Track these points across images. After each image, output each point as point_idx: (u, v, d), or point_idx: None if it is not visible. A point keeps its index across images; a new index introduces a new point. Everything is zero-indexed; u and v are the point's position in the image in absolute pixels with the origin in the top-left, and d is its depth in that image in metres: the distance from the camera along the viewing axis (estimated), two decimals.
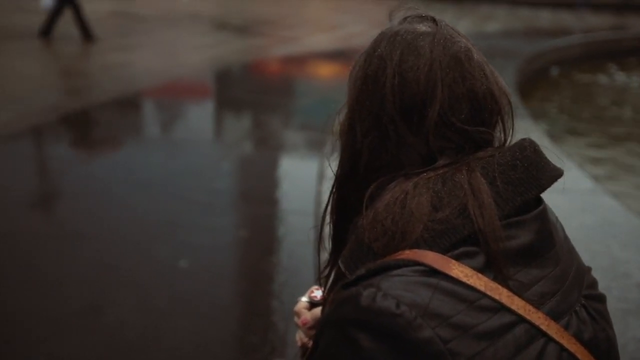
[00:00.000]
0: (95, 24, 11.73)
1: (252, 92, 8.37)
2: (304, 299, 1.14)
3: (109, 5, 17.13)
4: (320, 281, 0.96)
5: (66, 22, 11.33)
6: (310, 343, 1.09)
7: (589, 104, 9.02)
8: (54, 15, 10.75)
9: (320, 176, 4.20)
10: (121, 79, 8.31)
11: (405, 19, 0.86)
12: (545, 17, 18.89)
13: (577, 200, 3.38)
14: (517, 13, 19.63)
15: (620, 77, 10.66)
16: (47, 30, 10.83)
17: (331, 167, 0.91)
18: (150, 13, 13.71)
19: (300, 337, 1.11)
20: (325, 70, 10.55)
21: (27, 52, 10.11)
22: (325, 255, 0.96)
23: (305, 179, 4.78)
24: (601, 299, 0.88)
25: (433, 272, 0.71)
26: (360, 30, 13.91)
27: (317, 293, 1.13)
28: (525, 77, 8.58)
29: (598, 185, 3.90)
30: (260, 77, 10.06)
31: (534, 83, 8.93)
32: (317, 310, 1.11)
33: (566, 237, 0.90)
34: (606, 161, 6.18)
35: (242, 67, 10.23)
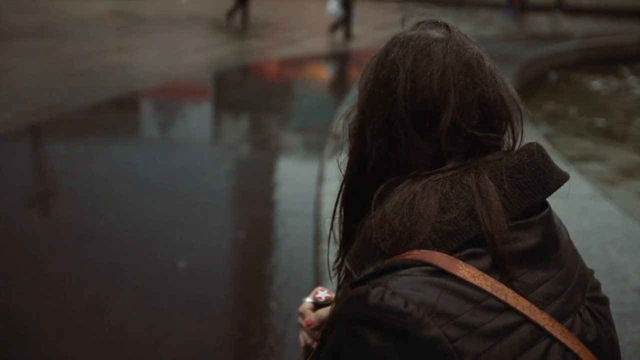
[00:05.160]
0: (94, 25, 11.72)
1: (251, 94, 8.37)
2: (308, 299, 1.14)
3: (108, 5, 17.13)
4: (330, 273, 0.97)
5: (66, 21, 11.32)
6: (314, 344, 1.10)
7: (583, 106, 9.05)
8: (347, 19, 12.72)
9: (320, 178, 4.20)
10: (121, 80, 8.31)
11: (418, 24, 0.87)
12: (544, 22, 18.95)
13: (575, 205, 3.40)
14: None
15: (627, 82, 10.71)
16: (348, 33, 12.68)
17: (340, 169, 0.92)
18: (149, 14, 13.71)
19: (303, 337, 1.12)
20: (324, 73, 10.57)
21: (28, 52, 10.11)
22: (330, 255, 0.97)
23: (305, 181, 4.79)
24: (604, 301, 0.89)
25: (440, 272, 0.72)
26: (359, 33, 13.92)
27: (322, 294, 1.14)
28: (524, 82, 8.62)
29: (597, 190, 3.92)
30: (259, 79, 10.07)
31: (533, 88, 8.95)
32: (322, 311, 1.11)
33: (570, 241, 0.91)
34: (605, 166, 6.19)
35: (241, 69, 10.25)
